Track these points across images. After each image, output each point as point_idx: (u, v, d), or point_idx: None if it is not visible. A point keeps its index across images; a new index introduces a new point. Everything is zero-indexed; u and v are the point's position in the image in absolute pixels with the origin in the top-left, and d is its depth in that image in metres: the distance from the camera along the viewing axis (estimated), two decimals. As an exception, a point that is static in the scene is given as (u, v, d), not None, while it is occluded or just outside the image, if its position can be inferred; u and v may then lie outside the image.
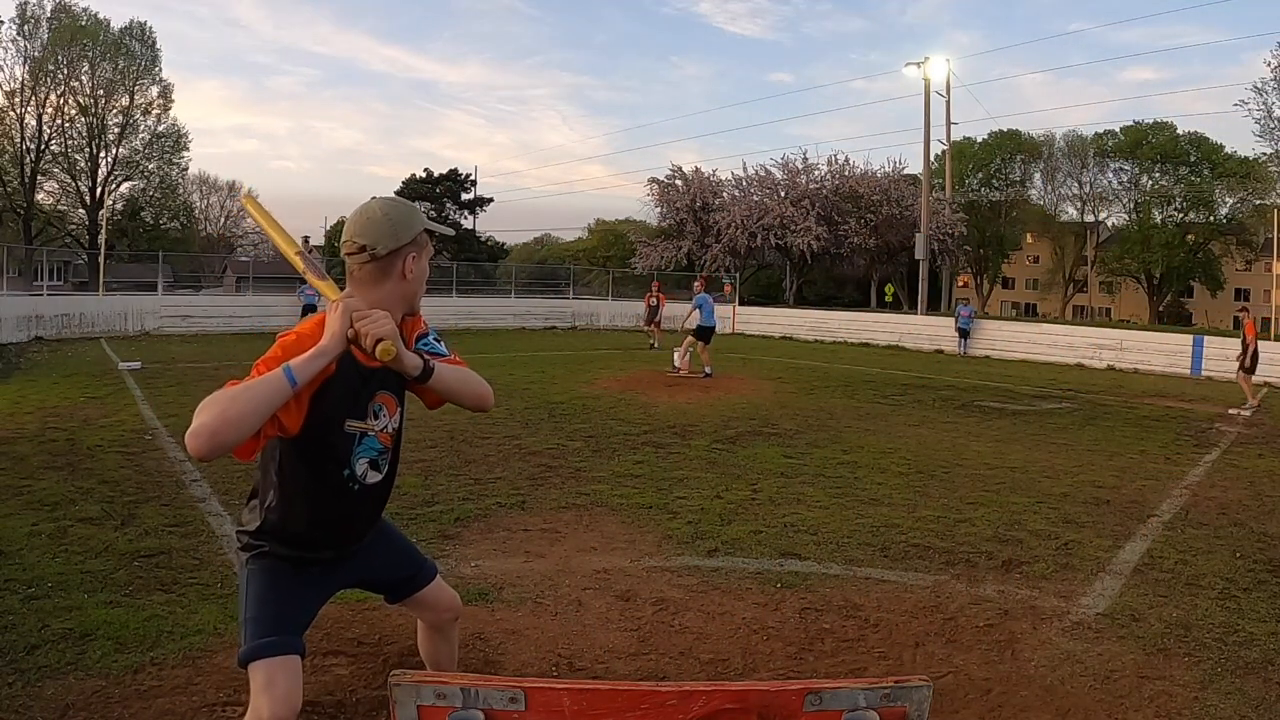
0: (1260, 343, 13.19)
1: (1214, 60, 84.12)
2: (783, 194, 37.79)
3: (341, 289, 1.87)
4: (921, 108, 33.16)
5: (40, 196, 41.46)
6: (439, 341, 2.02)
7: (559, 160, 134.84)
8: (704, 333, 13.62)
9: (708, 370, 13.44)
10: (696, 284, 15.11)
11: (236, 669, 2.96)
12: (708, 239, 38.56)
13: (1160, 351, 19.82)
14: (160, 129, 43.51)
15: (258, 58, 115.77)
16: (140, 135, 42.99)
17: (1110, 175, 54.99)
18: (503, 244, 54.07)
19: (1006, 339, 22.95)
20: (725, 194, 39.67)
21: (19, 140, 39.02)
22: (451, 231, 2.14)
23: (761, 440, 8.06)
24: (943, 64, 34.16)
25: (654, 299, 21.06)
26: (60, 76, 39.52)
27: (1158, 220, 52.34)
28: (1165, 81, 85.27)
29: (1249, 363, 12.66)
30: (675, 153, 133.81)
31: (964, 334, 23.38)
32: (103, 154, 41.70)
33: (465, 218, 50.23)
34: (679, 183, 40.15)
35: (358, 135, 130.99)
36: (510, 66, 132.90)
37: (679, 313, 19.14)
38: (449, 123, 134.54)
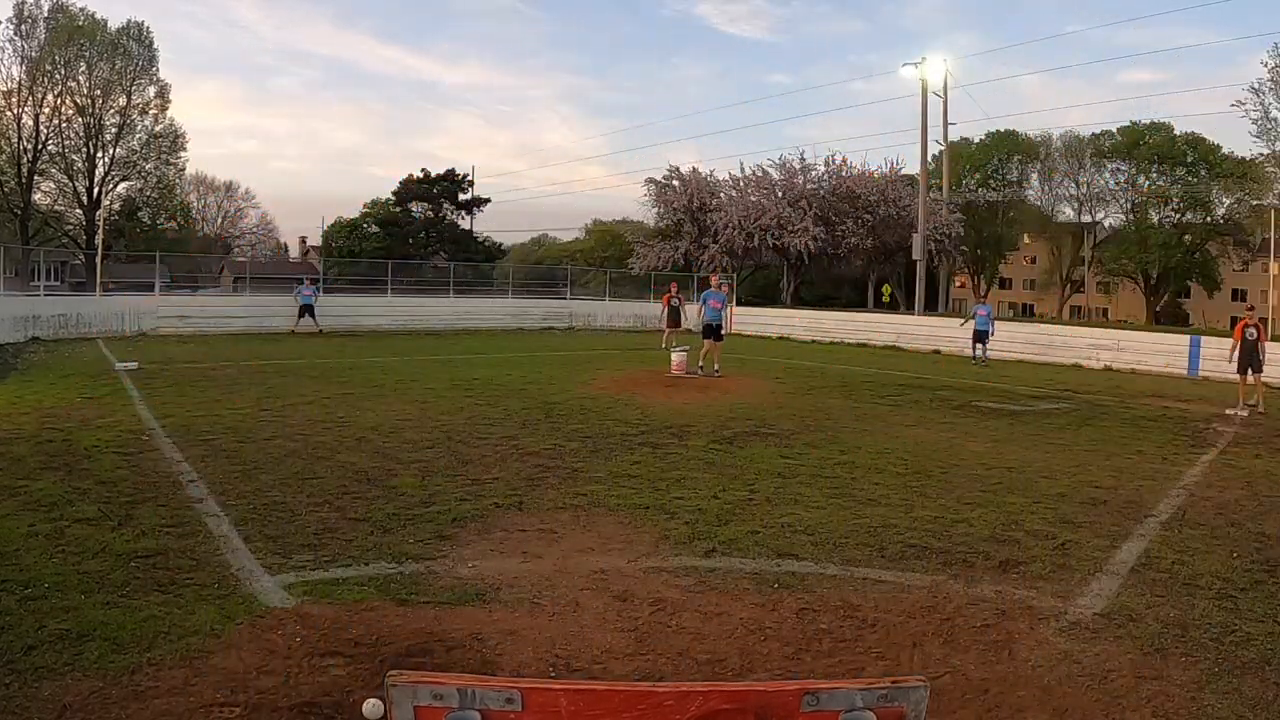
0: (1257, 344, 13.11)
1: (1210, 62, 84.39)
2: (780, 194, 37.78)
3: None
4: (918, 108, 33.24)
5: (37, 197, 41.36)
6: None
7: (558, 160, 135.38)
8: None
9: (700, 366, 13.75)
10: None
11: (233, 670, 2.97)
12: (705, 239, 38.54)
13: (1157, 352, 19.84)
14: (158, 129, 43.42)
15: (259, 58, 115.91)
16: (137, 135, 42.86)
17: (1107, 175, 55.13)
18: (500, 244, 53.96)
19: (1003, 339, 22.95)
20: (722, 194, 39.66)
21: (16, 140, 38.89)
22: None
23: (759, 441, 8.06)
24: (940, 64, 34.26)
25: (674, 300, 20.89)
26: (57, 76, 39.41)
27: (1155, 221, 52.46)
28: (1162, 83, 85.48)
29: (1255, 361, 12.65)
30: (674, 153, 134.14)
31: (983, 337, 19.73)
32: (100, 154, 41.59)
33: (462, 218, 50.19)
34: (676, 183, 40.14)
35: (357, 136, 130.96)
36: (510, 67, 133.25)
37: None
38: (448, 123, 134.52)
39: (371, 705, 1.18)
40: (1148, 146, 51.53)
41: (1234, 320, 47.07)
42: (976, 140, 56.60)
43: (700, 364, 13.77)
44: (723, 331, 14.04)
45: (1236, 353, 12.61)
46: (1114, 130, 53.64)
